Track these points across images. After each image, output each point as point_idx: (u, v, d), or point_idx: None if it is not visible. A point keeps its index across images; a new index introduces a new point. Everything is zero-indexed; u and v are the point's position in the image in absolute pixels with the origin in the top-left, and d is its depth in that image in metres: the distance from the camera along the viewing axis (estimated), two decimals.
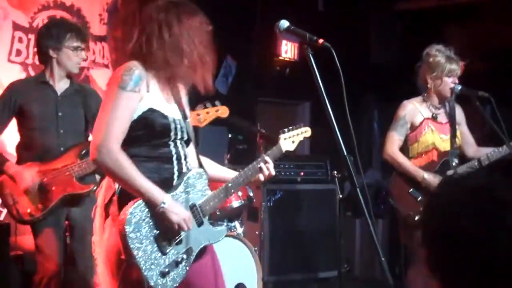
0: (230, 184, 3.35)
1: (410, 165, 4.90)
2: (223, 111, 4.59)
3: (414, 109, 4.98)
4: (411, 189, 4.89)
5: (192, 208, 3.18)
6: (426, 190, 4.85)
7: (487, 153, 4.97)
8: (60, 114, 4.50)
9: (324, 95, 2.83)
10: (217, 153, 6.92)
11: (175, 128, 3.13)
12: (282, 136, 3.64)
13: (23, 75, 5.94)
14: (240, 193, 5.40)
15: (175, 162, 3.15)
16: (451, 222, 1.58)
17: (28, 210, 4.39)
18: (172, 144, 3.15)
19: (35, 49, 4.67)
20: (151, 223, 3.01)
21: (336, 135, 2.84)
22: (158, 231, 3.03)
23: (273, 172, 3.45)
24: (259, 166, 3.41)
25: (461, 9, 8.66)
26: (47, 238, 4.44)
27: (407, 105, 5.00)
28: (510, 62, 7.73)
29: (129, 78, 2.99)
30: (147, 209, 2.99)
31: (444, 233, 1.59)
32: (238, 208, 5.46)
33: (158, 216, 3.00)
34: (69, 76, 4.58)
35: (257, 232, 6.01)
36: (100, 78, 6.48)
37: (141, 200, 2.98)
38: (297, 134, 3.72)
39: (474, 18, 8.62)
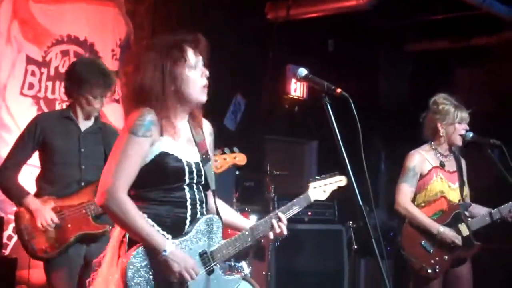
0: (247, 233, 3.21)
1: (425, 217, 4.87)
2: (241, 159, 4.53)
3: (421, 159, 4.97)
4: (423, 241, 4.87)
5: (202, 255, 3.06)
6: (439, 242, 4.84)
7: (499, 208, 4.96)
8: (82, 150, 4.50)
9: (342, 146, 2.82)
10: (225, 191, 6.93)
11: (190, 172, 3.06)
12: (312, 185, 3.52)
13: (34, 109, 5.98)
14: None
15: (189, 207, 3.06)
16: None
17: (43, 247, 4.36)
18: (187, 188, 3.07)
19: (65, 82, 4.61)
20: (154, 270, 2.92)
21: (352, 184, 2.84)
22: (161, 279, 2.93)
23: (285, 232, 3.28)
24: (271, 222, 3.26)
25: (472, 51, 8.69)
26: (62, 276, 4.40)
27: (414, 155, 4.99)
28: None
29: (140, 124, 2.96)
30: (150, 256, 2.92)
31: None
32: (246, 248, 5.42)
33: (160, 265, 2.92)
34: (90, 116, 4.59)
35: (263, 273, 5.98)
36: (111, 112, 6.49)
37: (144, 246, 2.92)
38: (330, 183, 3.58)
39: (485, 61, 8.64)
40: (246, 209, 5.65)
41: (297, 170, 8.70)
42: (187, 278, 2.94)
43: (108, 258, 3.07)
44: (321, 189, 3.55)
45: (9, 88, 5.91)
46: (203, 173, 3.13)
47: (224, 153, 4.51)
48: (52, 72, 6.20)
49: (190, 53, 3.08)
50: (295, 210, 3.43)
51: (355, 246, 4.81)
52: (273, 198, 6.33)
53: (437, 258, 4.83)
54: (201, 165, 3.13)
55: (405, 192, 4.94)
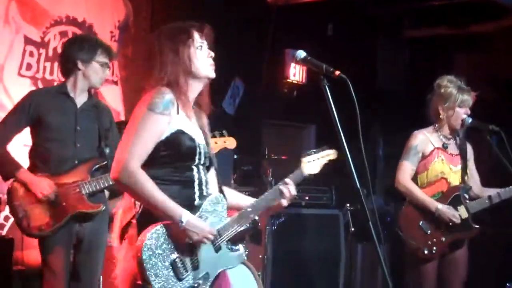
0: (249, 209, 3.32)
1: (424, 195, 4.89)
2: (231, 143, 4.62)
3: (425, 139, 4.98)
4: (421, 222, 4.88)
5: (206, 241, 3.13)
6: (437, 222, 4.85)
7: (498, 191, 4.97)
8: (78, 128, 4.49)
9: (340, 129, 2.82)
10: (223, 174, 6.93)
11: (200, 153, 3.15)
12: (305, 159, 3.58)
13: (34, 88, 5.95)
14: None
15: (196, 188, 3.16)
16: None
17: (38, 224, 4.35)
18: (195, 168, 3.16)
19: (60, 59, 4.64)
20: (168, 248, 3.00)
21: (350, 167, 2.84)
22: (175, 257, 3.02)
23: (294, 192, 3.40)
24: (279, 188, 3.37)
25: (470, 38, 8.68)
26: (56, 255, 4.39)
27: (418, 135, 5.00)
28: None
29: (159, 101, 3.05)
30: (164, 235, 2.99)
31: None
32: (242, 231, 5.42)
33: (179, 235, 3.01)
34: (88, 90, 4.58)
35: (260, 256, 5.99)
36: (109, 94, 6.49)
37: (159, 225, 2.98)
38: (322, 157, 3.63)
39: (483, 48, 8.63)
40: (244, 193, 5.63)
41: (295, 154, 8.66)
42: (204, 242, 3.07)
43: (116, 242, 3.16)
44: (314, 163, 3.59)
45: (7, 68, 5.89)
46: (208, 155, 3.23)
47: (214, 136, 4.55)
48: (50, 53, 6.18)
49: (196, 36, 3.21)
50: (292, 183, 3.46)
51: (352, 229, 4.81)
52: (271, 182, 6.33)
53: (434, 240, 4.85)
54: (206, 147, 3.22)
55: (406, 170, 4.95)
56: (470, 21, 8.58)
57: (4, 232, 5.60)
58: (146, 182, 2.98)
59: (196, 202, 3.14)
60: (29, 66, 6.05)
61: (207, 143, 3.26)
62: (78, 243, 4.50)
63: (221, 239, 3.20)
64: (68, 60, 4.51)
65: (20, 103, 4.53)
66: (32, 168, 4.45)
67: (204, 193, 3.19)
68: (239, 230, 3.30)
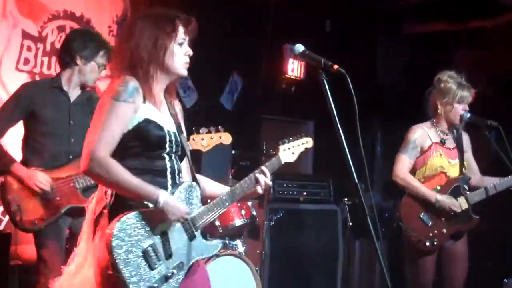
0: (224, 197, 3.27)
1: (422, 187, 4.90)
2: (226, 138, 4.58)
3: (423, 134, 4.99)
4: (422, 214, 4.89)
5: (184, 222, 3.12)
6: (438, 213, 4.85)
7: (493, 182, 4.97)
8: (72, 122, 4.48)
9: (338, 124, 2.81)
10: (221, 170, 6.93)
11: (170, 141, 3.12)
12: (281, 147, 3.57)
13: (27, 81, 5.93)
14: (243, 212, 5.38)
15: (169, 176, 3.13)
16: None
17: (32, 218, 4.35)
18: (167, 157, 3.13)
19: (60, 49, 4.63)
20: (140, 237, 2.96)
21: (348, 162, 2.83)
22: (146, 246, 2.97)
23: (269, 183, 3.37)
24: (255, 177, 3.34)
25: (469, 33, 8.67)
26: (51, 249, 4.40)
27: (417, 129, 5.01)
28: None
29: (123, 90, 3.00)
30: (136, 223, 2.95)
31: None
32: (240, 226, 5.44)
33: (153, 220, 2.98)
34: (84, 85, 4.57)
35: (258, 251, 5.98)
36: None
37: (130, 214, 2.95)
38: (298, 145, 3.63)
39: (482, 43, 8.62)
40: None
41: None
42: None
43: (86, 233, 3.11)
44: (290, 151, 3.59)
45: (5, 63, 5.87)
46: (180, 143, 3.18)
47: (209, 132, 4.54)
48: (48, 47, 6.15)
49: (181, 30, 3.15)
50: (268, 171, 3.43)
51: (350, 223, 4.80)
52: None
53: (435, 231, 4.86)
54: (178, 135, 3.18)
55: (403, 163, 4.96)
56: (470, 17, 8.56)
57: (1, 227, 5.59)
58: (117, 168, 2.95)
59: (169, 190, 3.10)
60: (26, 61, 6.02)
61: (180, 132, 3.23)
62: (72, 236, 4.50)
63: (195, 228, 3.16)
64: (69, 53, 4.50)
65: (14, 96, 4.51)
66: (25, 162, 4.44)
67: (177, 182, 3.16)
68: (213, 217, 3.24)
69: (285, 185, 6.82)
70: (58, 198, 4.36)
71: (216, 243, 3.32)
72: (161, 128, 3.09)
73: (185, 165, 3.31)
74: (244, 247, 5.53)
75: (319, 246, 6.84)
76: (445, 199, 4.85)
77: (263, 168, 3.39)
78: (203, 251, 3.21)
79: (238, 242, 5.50)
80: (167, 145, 3.11)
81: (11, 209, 4.38)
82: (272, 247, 6.44)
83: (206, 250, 3.23)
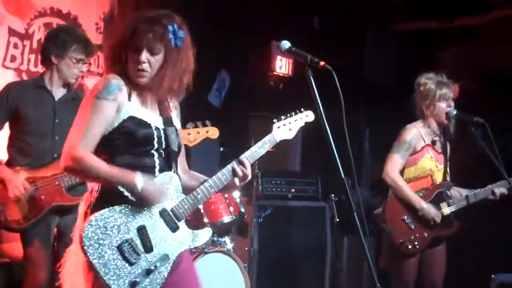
0: (208, 185, 3.18)
1: (411, 192, 4.90)
2: (213, 133, 4.58)
3: (417, 133, 4.99)
4: (405, 216, 4.90)
5: (163, 213, 3.07)
6: (421, 219, 4.87)
7: (474, 191, 5.03)
8: (57, 120, 4.47)
9: (324, 119, 2.81)
10: (210, 168, 6.91)
11: (159, 137, 3.10)
12: (276, 125, 3.43)
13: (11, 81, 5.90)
14: (231, 209, 5.38)
15: (157, 173, 3.10)
16: None
17: (16, 218, 4.33)
18: (156, 154, 3.11)
19: (39, 50, 4.64)
20: (114, 233, 2.93)
21: (335, 158, 2.84)
22: (121, 241, 2.94)
23: (248, 174, 3.23)
24: (232, 167, 3.21)
25: (458, 31, 8.68)
26: (37, 248, 4.39)
27: (411, 129, 5.01)
28: (506, 84, 7.75)
29: (104, 88, 3.00)
30: (109, 220, 2.93)
31: None
32: (229, 223, 5.43)
33: (138, 201, 2.97)
34: (66, 83, 4.55)
35: (246, 248, 5.99)
36: None
37: (103, 211, 2.93)
38: (295, 120, 3.49)
39: (470, 40, 8.64)
40: None
41: (281, 147, 8.66)
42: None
43: (76, 236, 3.05)
44: (286, 128, 3.45)
45: None
46: (168, 139, 3.14)
47: (196, 126, 4.53)
48: (34, 44, 6.12)
49: (140, 35, 3.02)
50: (260, 153, 3.31)
51: (337, 219, 4.80)
52: (257, 174, 6.32)
53: (417, 235, 4.87)
54: (166, 130, 3.14)
55: (395, 163, 4.95)
56: (458, 14, 8.58)
57: None
58: (96, 162, 2.96)
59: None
60: (13, 58, 5.99)
61: (170, 123, 3.17)
62: (59, 235, 4.50)
63: (177, 218, 3.10)
64: (44, 53, 4.51)
65: None
66: (11, 161, 4.44)
67: None
68: (195, 206, 3.15)
69: (273, 182, 6.82)
70: (42, 197, 4.36)
71: (205, 231, 3.21)
72: (147, 125, 3.07)
73: (178, 161, 3.24)
74: (233, 244, 5.53)
75: (307, 243, 6.84)
76: (430, 210, 4.87)
77: (241, 158, 3.24)
78: (189, 241, 3.14)
79: (226, 239, 5.51)
80: (155, 142, 3.08)
81: None
82: (261, 244, 6.44)
83: (193, 239, 3.16)
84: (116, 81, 3.02)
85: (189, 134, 4.49)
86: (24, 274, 4.47)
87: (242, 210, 5.50)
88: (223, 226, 5.45)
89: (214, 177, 3.22)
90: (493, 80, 8.17)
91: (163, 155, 3.14)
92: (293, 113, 3.50)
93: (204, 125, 4.55)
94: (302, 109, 3.53)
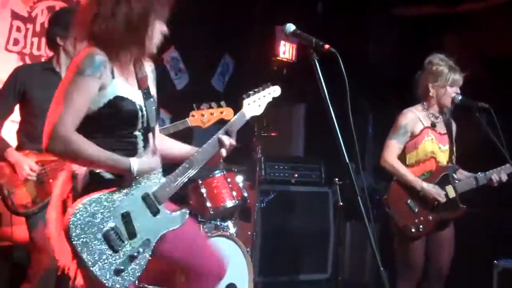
0: (187, 165, 3.17)
1: (409, 174, 4.90)
2: (228, 113, 4.46)
3: (414, 118, 4.97)
4: (409, 200, 4.89)
5: (145, 198, 3.04)
6: (424, 201, 4.86)
7: (486, 173, 4.98)
8: None
9: (329, 103, 2.80)
10: None
11: (143, 116, 3.04)
12: (245, 101, 3.45)
13: (19, 65, 5.89)
14: (234, 193, 5.37)
15: (140, 150, 3.07)
16: None
17: (24, 202, 4.33)
18: (139, 134, 3.07)
19: (45, 34, 4.63)
20: (100, 221, 2.89)
21: (339, 142, 2.83)
22: (107, 228, 2.91)
23: (234, 143, 3.26)
24: (219, 138, 3.22)
25: (460, 17, 8.65)
26: (42, 232, 4.38)
27: (407, 114, 4.99)
28: (509, 70, 7.73)
29: (87, 64, 2.88)
30: (95, 207, 2.88)
31: None
32: (231, 208, 5.43)
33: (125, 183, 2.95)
34: None
35: (249, 233, 5.99)
36: None
37: (88, 197, 2.88)
38: (264, 96, 3.52)
39: (472, 26, 8.61)
40: (233, 169, 5.62)
41: (285, 132, 8.67)
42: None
43: (53, 217, 3.02)
44: (255, 104, 3.48)
45: None
46: (149, 116, 3.09)
47: (211, 107, 4.46)
48: (38, 28, 6.10)
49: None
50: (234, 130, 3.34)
51: (341, 203, 4.78)
52: (260, 159, 6.32)
53: (421, 218, 4.87)
54: (146, 106, 3.08)
55: (392, 149, 4.95)
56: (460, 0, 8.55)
57: None
58: (84, 143, 2.87)
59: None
60: (16, 41, 5.98)
61: (147, 96, 3.10)
62: None
63: (158, 202, 3.08)
64: (49, 35, 4.50)
65: (6, 83, 4.49)
66: (20, 145, 4.44)
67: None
68: (176, 188, 3.14)
69: (276, 167, 6.83)
70: (51, 181, 4.34)
71: (181, 212, 3.17)
72: (133, 104, 3.00)
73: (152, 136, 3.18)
74: (235, 228, 5.53)
75: (310, 227, 6.85)
76: (430, 189, 4.85)
77: (226, 127, 3.27)
78: (170, 224, 3.11)
79: (229, 223, 5.50)
80: (139, 121, 3.03)
81: (4, 193, 4.38)
82: (263, 229, 6.46)
83: (173, 221, 3.12)
84: (100, 57, 2.90)
85: (202, 115, 4.43)
86: (29, 258, 4.47)
87: (245, 194, 5.49)
88: (226, 211, 5.45)
89: (196, 153, 3.20)
90: (495, 66, 8.14)
91: (144, 132, 3.09)
92: (260, 88, 3.53)
93: (219, 105, 4.46)
94: (269, 84, 3.57)
